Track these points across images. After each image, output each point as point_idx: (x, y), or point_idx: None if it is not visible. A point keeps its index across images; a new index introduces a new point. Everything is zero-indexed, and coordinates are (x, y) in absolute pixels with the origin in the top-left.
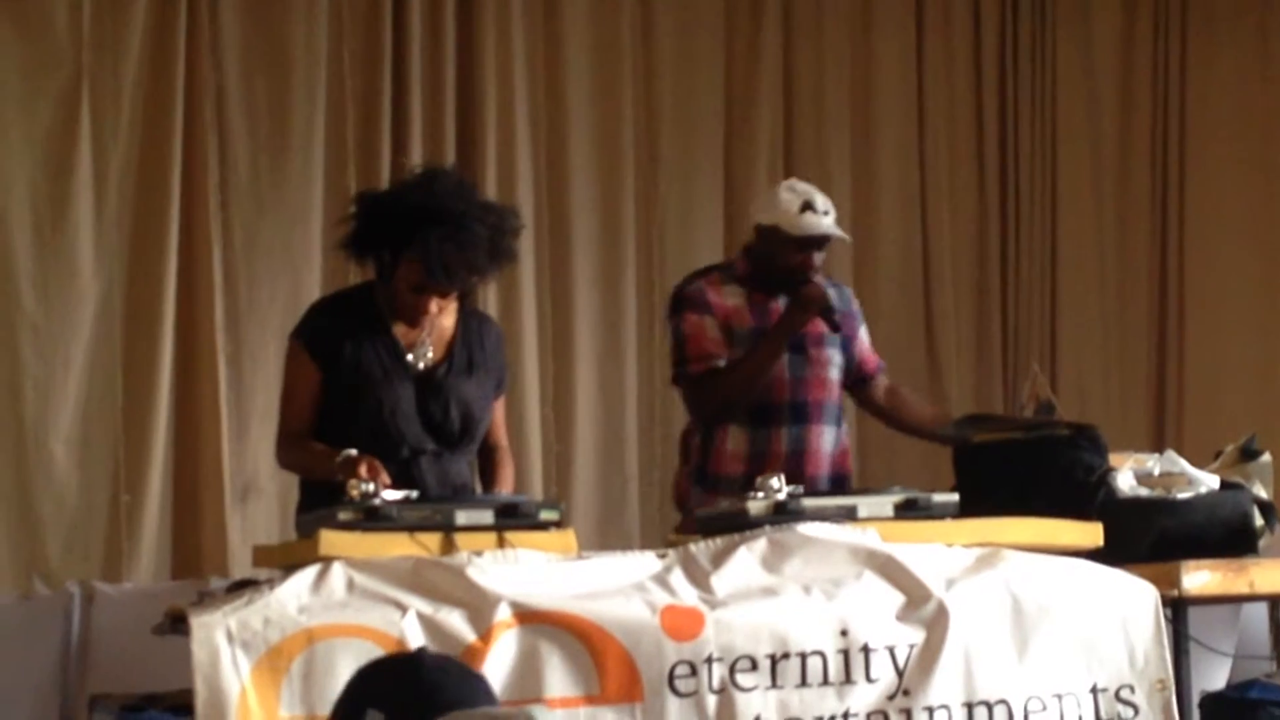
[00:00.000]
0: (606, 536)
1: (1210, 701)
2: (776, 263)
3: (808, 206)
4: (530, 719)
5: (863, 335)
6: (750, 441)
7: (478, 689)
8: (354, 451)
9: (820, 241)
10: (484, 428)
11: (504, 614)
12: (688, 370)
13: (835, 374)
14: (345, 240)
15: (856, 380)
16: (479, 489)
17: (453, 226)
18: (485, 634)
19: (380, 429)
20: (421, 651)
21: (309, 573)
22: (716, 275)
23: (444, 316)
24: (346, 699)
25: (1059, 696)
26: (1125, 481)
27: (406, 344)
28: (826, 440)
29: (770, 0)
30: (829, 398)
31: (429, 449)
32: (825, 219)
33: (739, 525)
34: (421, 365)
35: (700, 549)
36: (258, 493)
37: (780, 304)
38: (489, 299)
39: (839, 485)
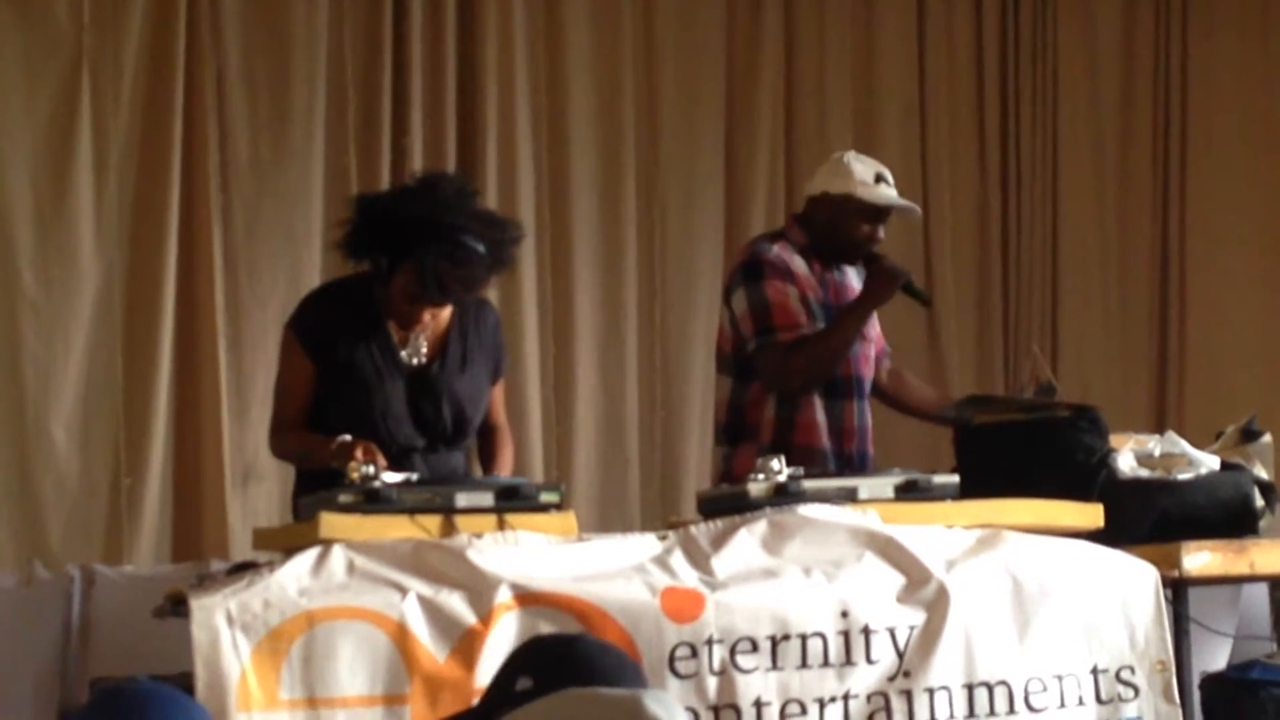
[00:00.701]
0: (607, 518)
1: (1210, 682)
2: (843, 232)
3: (881, 178)
4: (638, 702)
5: (874, 318)
6: (829, 414)
7: (628, 671)
8: (348, 437)
9: (888, 213)
10: (477, 423)
11: (504, 596)
12: (776, 338)
13: (873, 352)
14: (341, 243)
15: None
16: (478, 470)
17: (450, 243)
18: (485, 616)
19: (370, 428)
20: (582, 634)
21: (309, 555)
22: (784, 242)
23: (440, 311)
24: (504, 668)
25: (1059, 677)
26: (1126, 462)
27: (400, 339)
28: (870, 418)
29: None
30: (871, 375)
31: (419, 446)
32: (894, 191)
33: (739, 507)
34: (415, 361)
35: (700, 531)
36: (258, 476)
37: (835, 276)
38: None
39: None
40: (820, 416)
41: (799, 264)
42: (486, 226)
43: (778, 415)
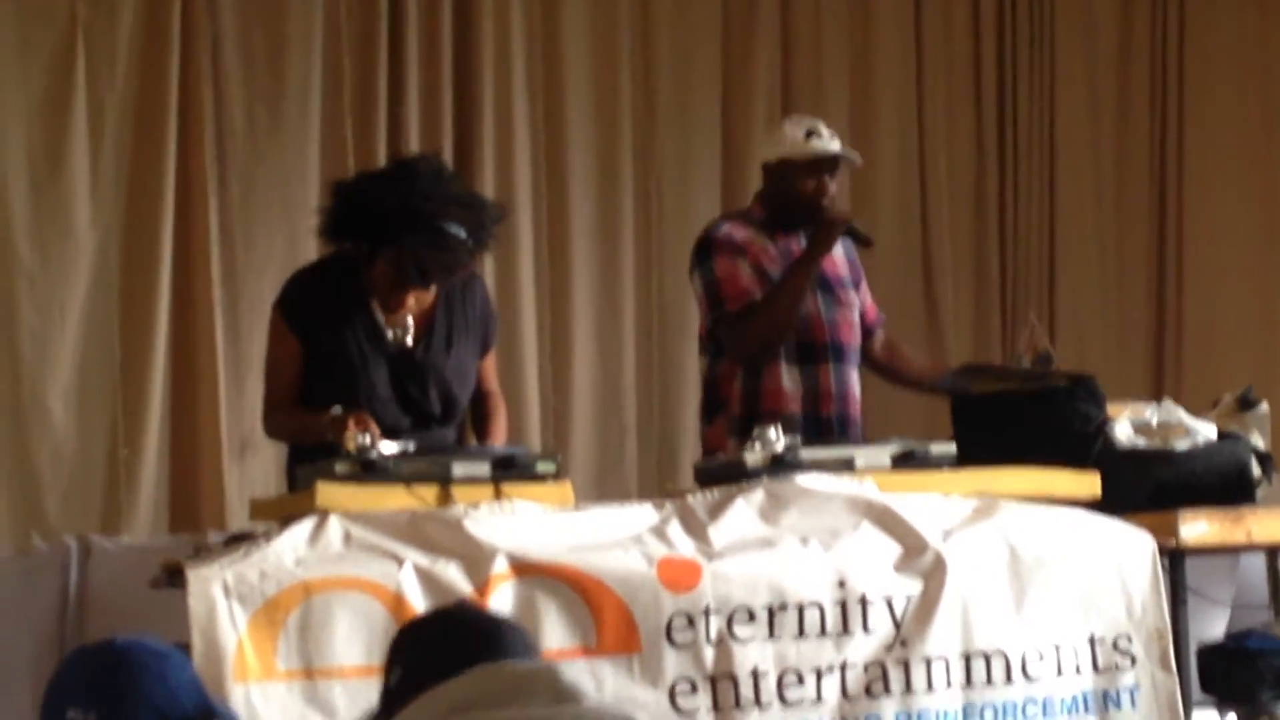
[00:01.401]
0: (604, 488)
1: (1208, 651)
2: (791, 195)
3: (812, 133)
4: (553, 673)
5: (865, 285)
6: (802, 378)
7: (505, 639)
8: (339, 408)
9: (831, 164)
10: (466, 400)
11: (501, 566)
12: (725, 310)
13: (856, 318)
14: (322, 228)
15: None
16: (471, 441)
17: (429, 230)
18: (482, 586)
19: (358, 409)
20: (456, 606)
21: (305, 525)
22: (740, 220)
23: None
24: (385, 660)
25: (1057, 646)
26: (1123, 432)
27: (386, 319)
28: (857, 385)
29: None
30: (855, 341)
31: (406, 427)
32: (833, 143)
33: (736, 476)
34: (400, 342)
35: (697, 501)
36: (255, 446)
37: (800, 243)
38: None
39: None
40: (788, 383)
41: (751, 235)
42: (466, 210)
43: (744, 386)
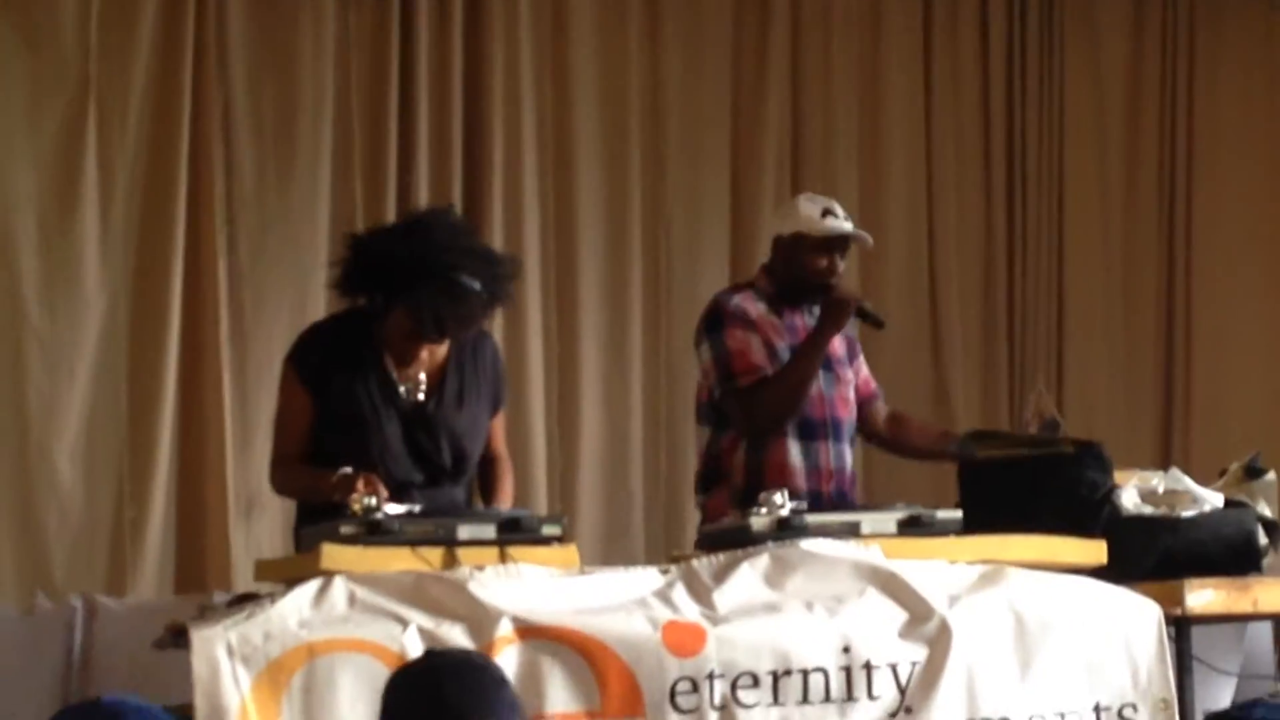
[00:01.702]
0: (611, 552)
1: None
2: (801, 271)
3: (828, 212)
4: None
5: (862, 360)
6: (804, 455)
7: (492, 697)
8: (349, 469)
9: (842, 243)
10: (476, 457)
11: (505, 629)
12: (737, 384)
13: (852, 394)
14: (336, 282)
15: (856, 406)
16: (479, 502)
17: (446, 282)
18: (486, 649)
19: (368, 466)
20: (430, 657)
21: (310, 587)
22: (749, 292)
23: (438, 346)
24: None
25: (1062, 715)
26: (1129, 499)
27: (398, 374)
28: (850, 460)
29: (777, 13)
30: (851, 417)
31: (418, 482)
32: (846, 223)
33: (742, 541)
34: (413, 398)
35: (703, 565)
36: (262, 507)
37: (806, 320)
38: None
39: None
40: (793, 459)
41: (761, 310)
42: (482, 264)
43: (748, 459)
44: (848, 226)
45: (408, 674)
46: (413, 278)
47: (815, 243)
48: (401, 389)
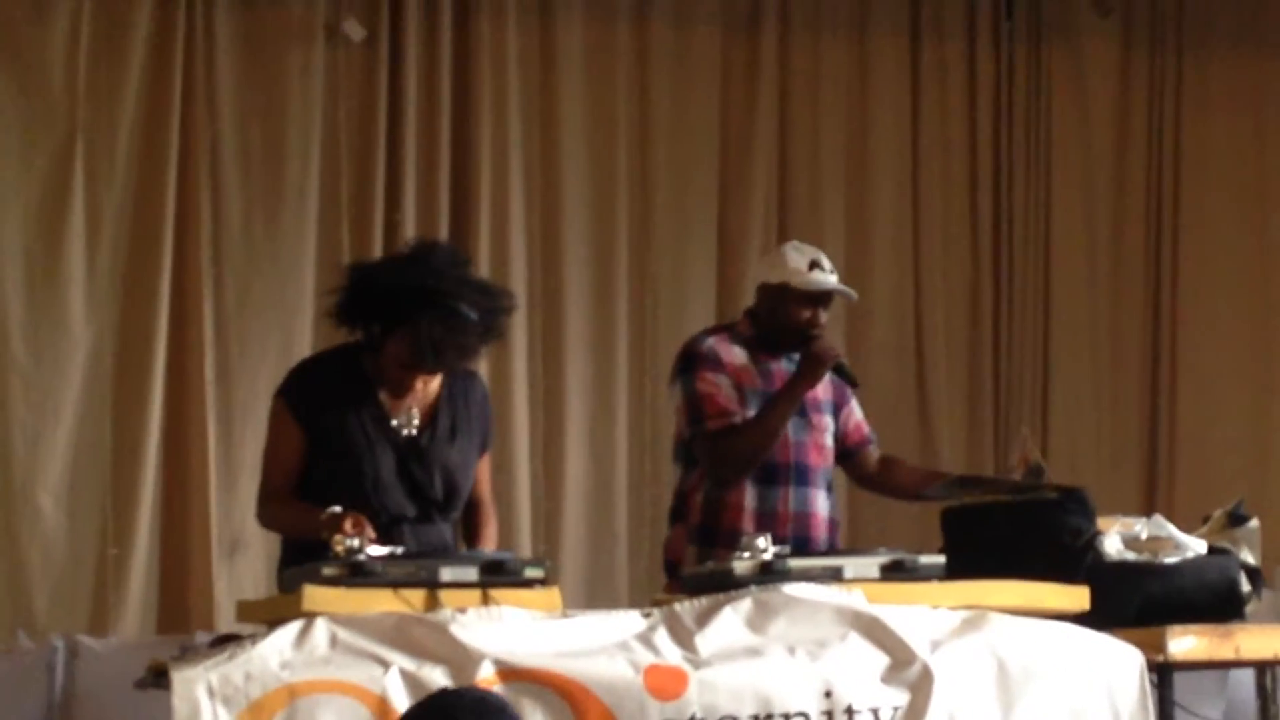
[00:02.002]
0: (595, 595)
1: None
2: (783, 320)
3: (815, 265)
4: None
5: (854, 406)
6: (759, 499)
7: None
8: (338, 508)
9: (827, 298)
10: (466, 493)
11: (487, 671)
12: (705, 427)
13: (829, 441)
14: (334, 310)
15: (845, 450)
16: (462, 546)
17: (444, 309)
18: None
19: (361, 498)
20: (448, 697)
21: (292, 628)
22: (725, 334)
23: (429, 381)
24: None
25: None
26: (1112, 545)
27: (392, 408)
28: (823, 506)
29: (765, 58)
30: (824, 463)
31: (411, 516)
32: (832, 276)
33: (725, 585)
34: (406, 432)
35: (685, 608)
36: (245, 547)
37: (783, 366)
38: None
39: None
40: (748, 501)
41: (736, 354)
42: (480, 294)
43: (706, 499)
44: (833, 280)
45: (424, 712)
46: (412, 306)
47: (801, 295)
48: (394, 422)
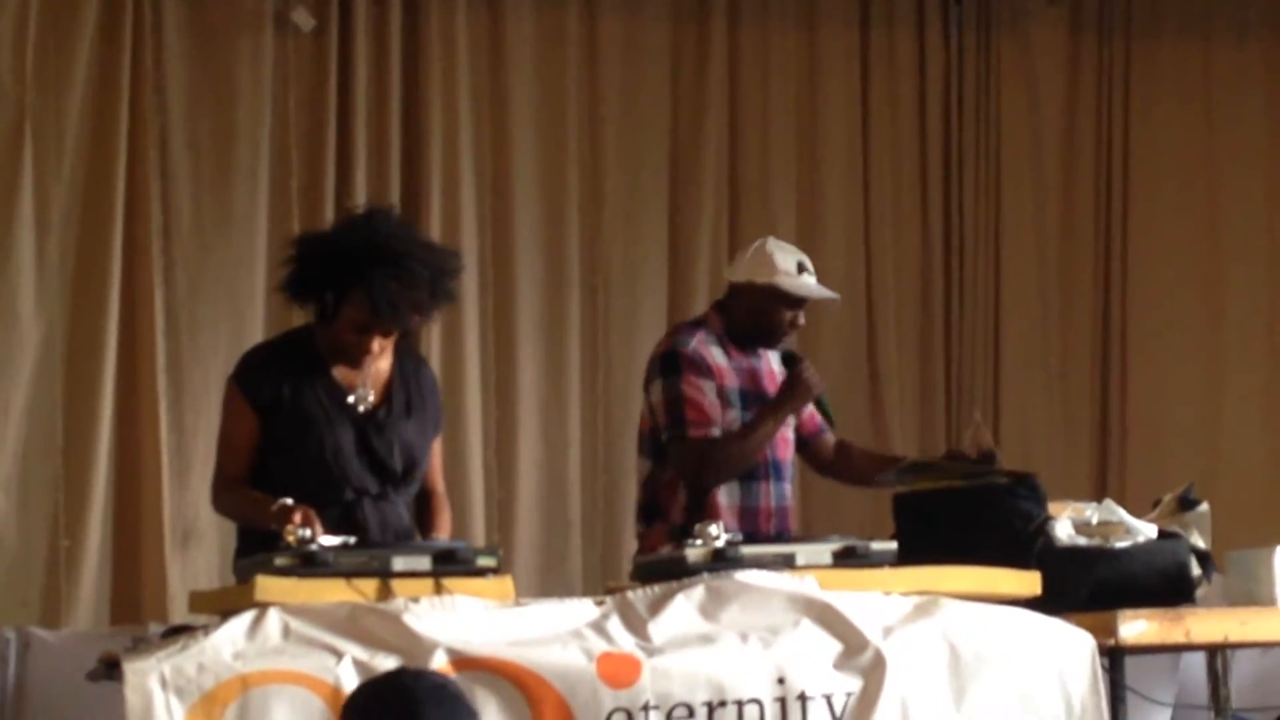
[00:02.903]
0: (548, 584)
1: None
2: (765, 321)
3: (803, 268)
4: None
5: None
6: (744, 495)
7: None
8: (289, 501)
9: (807, 300)
10: (424, 469)
11: (440, 660)
12: (686, 432)
13: (792, 434)
14: (286, 282)
15: (801, 440)
16: (417, 535)
17: (396, 266)
18: None
19: (323, 470)
20: (404, 678)
21: (244, 619)
22: (701, 333)
23: (381, 359)
24: None
25: None
26: (1063, 530)
27: (346, 381)
28: (790, 497)
29: (716, 47)
30: (790, 455)
31: (372, 491)
32: (814, 279)
33: (677, 572)
34: (362, 408)
35: (638, 596)
36: (198, 538)
37: (754, 362)
38: (432, 342)
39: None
40: (733, 499)
41: (716, 355)
42: (430, 253)
43: (690, 499)
44: (819, 286)
45: (379, 694)
46: (364, 262)
47: (790, 299)
48: (350, 399)
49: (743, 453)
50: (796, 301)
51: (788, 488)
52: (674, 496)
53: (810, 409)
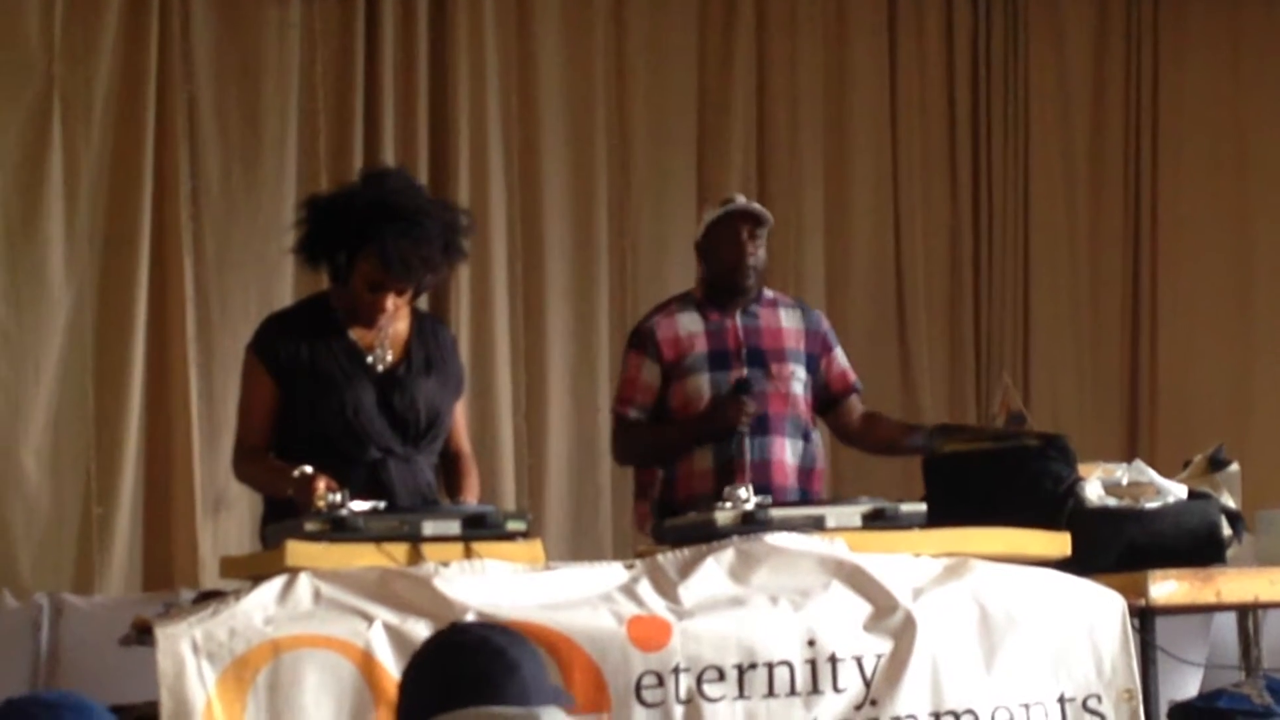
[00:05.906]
0: (578, 548)
1: (1178, 711)
2: (719, 262)
3: (727, 201)
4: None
5: (837, 355)
6: (715, 455)
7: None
8: (309, 469)
9: (747, 216)
10: (446, 427)
11: None
12: (614, 407)
13: (799, 389)
14: (299, 244)
15: (831, 397)
16: (444, 498)
17: (407, 222)
18: None
19: (346, 429)
20: (464, 633)
21: (275, 584)
22: (674, 305)
23: (398, 320)
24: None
25: (1026, 706)
26: (1093, 491)
27: (364, 341)
28: (790, 452)
29: (743, 13)
30: (790, 411)
31: (396, 450)
32: (742, 201)
33: (706, 535)
34: (380, 367)
35: (668, 559)
36: (229, 504)
37: (737, 320)
38: (461, 309)
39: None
40: (702, 462)
41: (686, 323)
42: (441, 209)
43: (664, 473)
44: (745, 201)
45: (428, 660)
46: (376, 219)
47: (718, 228)
48: (369, 358)
49: (642, 450)
50: (727, 226)
51: (778, 441)
52: (653, 473)
53: (844, 364)
